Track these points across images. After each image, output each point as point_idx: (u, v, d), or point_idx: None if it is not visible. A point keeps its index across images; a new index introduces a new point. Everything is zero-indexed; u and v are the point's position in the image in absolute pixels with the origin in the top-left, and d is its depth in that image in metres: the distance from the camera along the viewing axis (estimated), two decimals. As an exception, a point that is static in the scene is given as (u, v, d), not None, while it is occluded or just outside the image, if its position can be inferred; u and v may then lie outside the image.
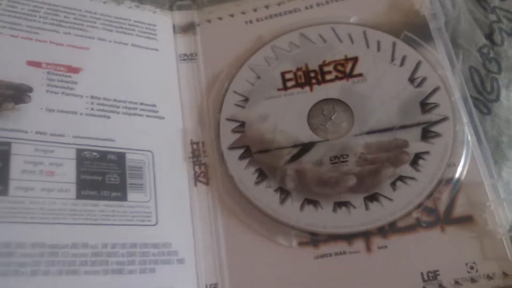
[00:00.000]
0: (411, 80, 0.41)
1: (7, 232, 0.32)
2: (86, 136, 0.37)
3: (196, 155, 0.41)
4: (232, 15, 0.45)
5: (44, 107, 0.37)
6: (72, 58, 0.39)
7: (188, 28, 0.46)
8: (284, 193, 0.39)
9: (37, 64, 0.38)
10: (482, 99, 0.43)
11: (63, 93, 0.38)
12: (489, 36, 0.45)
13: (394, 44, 0.42)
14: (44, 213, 0.34)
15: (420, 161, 0.38)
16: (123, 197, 0.37)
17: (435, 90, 0.40)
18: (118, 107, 0.40)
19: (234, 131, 0.41)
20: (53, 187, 0.35)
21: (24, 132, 0.35)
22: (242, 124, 0.41)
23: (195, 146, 0.42)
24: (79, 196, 0.35)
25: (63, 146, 0.36)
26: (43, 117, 0.36)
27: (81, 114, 0.38)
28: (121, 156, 0.38)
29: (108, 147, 0.38)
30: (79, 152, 0.37)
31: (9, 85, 0.36)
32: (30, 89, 0.37)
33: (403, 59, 0.41)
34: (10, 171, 0.34)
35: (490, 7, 0.46)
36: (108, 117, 0.39)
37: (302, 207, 0.39)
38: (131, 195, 0.37)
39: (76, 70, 0.39)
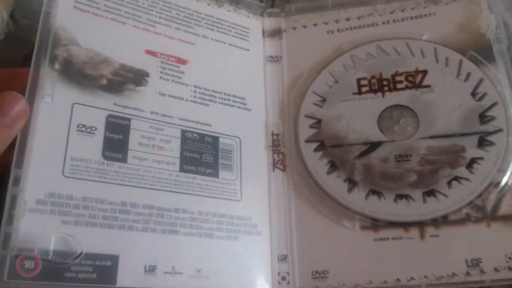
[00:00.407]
0: (473, 94, 0.46)
1: (125, 193, 0.39)
2: (189, 119, 0.44)
3: (276, 144, 0.48)
4: (315, 24, 0.51)
5: (157, 91, 0.43)
6: (181, 50, 0.45)
7: (276, 33, 0.52)
8: (352, 183, 0.45)
9: (153, 53, 0.45)
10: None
11: (173, 80, 0.45)
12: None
13: (460, 62, 0.47)
14: (154, 180, 0.40)
15: (475, 165, 0.43)
16: (216, 174, 0.44)
17: (494, 104, 0.45)
18: (215, 97, 0.46)
19: (311, 126, 0.48)
20: (162, 160, 0.41)
21: (141, 110, 0.42)
22: (319, 121, 0.48)
23: (275, 137, 0.48)
24: (182, 169, 0.42)
25: (171, 126, 0.43)
26: (157, 99, 0.43)
27: (186, 100, 0.45)
28: (215, 139, 0.45)
29: (206, 130, 0.44)
30: (183, 132, 0.43)
31: (131, 69, 0.43)
32: (147, 74, 0.43)
33: (468, 75, 0.46)
34: (129, 143, 0.40)
35: (551, 31, 0.51)
36: (207, 105, 0.45)
37: (367, 196, 0.44)
38: (222, 173, 0.44)
39: (184, 62, 0.46)
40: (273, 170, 0.47)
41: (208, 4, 0.49)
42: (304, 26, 0.51)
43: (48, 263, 0.34)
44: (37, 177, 0.35)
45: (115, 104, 0.40)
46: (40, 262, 0.34)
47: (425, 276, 0.41)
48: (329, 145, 0.46)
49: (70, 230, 0.36)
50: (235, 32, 0.50)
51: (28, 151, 0.36)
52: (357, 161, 0.45)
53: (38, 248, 0.34)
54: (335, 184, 0.45)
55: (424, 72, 0.47)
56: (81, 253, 0.35)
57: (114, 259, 0.36)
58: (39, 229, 0.35)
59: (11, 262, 0.33)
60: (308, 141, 0.47)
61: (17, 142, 0.35)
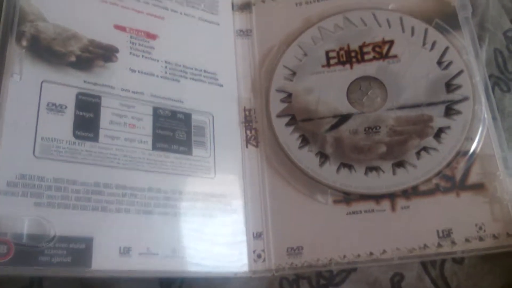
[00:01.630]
0: (439, 63, 0.48)
1: (97, 174, 0.39)
2: (161, 96, 0.45)
3: (248, 120, 0.49)
4: (284, -3, 0.52)
5: (128, 67, 0.44)
6: (150, 25, 0.46)
7: (245, 7, 0.53)
8: (323, 157, 0.47)
9: (122, 28, 0.45)
10: (504, 78, 0.50)
11: (143, 56, 0.45)
12: (515, 21, 0.51)
13: (426, 30, 0.49)
14: (127, 159, 0.41)
15: (442, 135, 0.46)
16: (189, 152, 0.45)
17: (459, 73, 0.47)
18: (186, 72, 0.47)
19: (282, 101, 0.49)
20: (134, 138, 0.42)
21: (111, 87, 0.42)
22: (289, 95, 0.49)
23: (247, 112, 0.49)
24: (155, 147, 0.43)
25: (143, 103, 0.43)
26: (127, 76, 0.43)
27: (157, 76, 0.45)
28: (188, 116, 0.46)
29: (178, 107, 0.45)
30: (155, 109, 0.44)
31: (100, 45, 0.43)
32: (117, 50, 0.44)
33: (433, 44, 0.48)
34: (101, 121, 0.41)
35: (518, -6, 0.53)
36: (178, 81, 0.46)
37: (338, 169, 0.46)
38: (195, 151, 0.45)
39: (153, 37, 0.46)
40: (246, 146, 0.48)
41: (177, -22, 0.49)
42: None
43: (21, 247, 0.35)
44: (7, 159, 0.36)
45: (85, 81, 0.41)
46: (13, 246, 0.34)
47: (397, 249, 0.43)
48: (300, 119, 0.48)
49: (43, 213, 0.36)
50: (204, 6, 0.50)
51: (-3, 131, 0.35)
52: (328, 134, 0.47)
53: (11, 231, 0.35)
54: (307, 158, 0.47)
55: (391, 42, 0.49)
56: (54, 236, 0.36)
57: (88, 241, 0.37)
58: (11, 212, 0.35)
59: (-17, 247, 0.33)
60: (279, 115, 0.48)
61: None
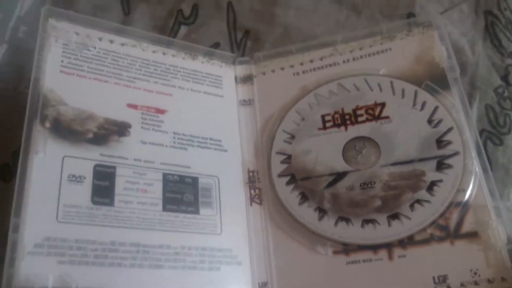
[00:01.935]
0: (429, 121, 0.52)
1: (113, 234, 0.45)
2: (170, 163, 0.50)
3: (252, 181, 0.54)
4: (282, 68, 0.58)
5: (139, 140, 0.50)
6: (159, 102, 0.51)
7: (247, 79, 0.59)
8: (322, 212, 0.51)
9: (134, 106, 0.52)
10: (496, 132, 0.54)
11: (153, 129, 0.51)
12: (505, 78, 0.56)
13: (416, 92, 0.53)
14: (139, 220, 0.47)
15: (435, 188, 0.49)
16: (197, 211, 0.50)
17: (449, 130, 0.51)
18: (193, 141, 0.53)
19: (282, 162, 0.54)
20: (146, 201, 0.48)
21: (125, 158, 0.48)
22: (289, 156, 0.54)
23: (251, 173, 0.55)
24: (165, 209, 0.48)
25: (153, 170, 0.49)
26: (139, 147, 0.49)
27: (166, 146, 0.51)
28: (195, 180, 0.51)
29: (186, 172, 0.51)
30: (165, 175, 0.50)
31: (114, 122, 0.49)
32: (129, 126, 0.49)
33: (423, 104, 0.53)
34: (116, 188, 0.47)
35: (507, 52, 0.57)
36: (186, 149, 0.52)
37: (336, 223, 0.50)
38: (202, 210, 0.50)
39: (162, 112, 0.53)
40: (251, 205, 0.53)
41: (183, 58, 0.57)
42: (273, 71, 0.59)
43: (46, 300, 0.39)
44: (34, 223, 0.42)
45: (101, 154, 0.47)
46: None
47: (396, 296, 0.45)
48: (300, 178, 0.53)
49: (66, 269, 0.42)
50: (209, 81, 0.57)
51: (25, 201, 0.42)
52: (326, 191, 0.51)
53: (38, 287, 0.40)
54: (306, 213, 0.51)
55: (382, 105, 0.53)
56: (76, 290, 0.41)
57: (106, 294, 0.42)
58: (37, 269, 0.41)
59: (13, 301, 0.38)
60: (280, 175, 0.53)
61: (15, 194, 0.42)
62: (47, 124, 0.46)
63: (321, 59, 0.57)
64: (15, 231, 0.41)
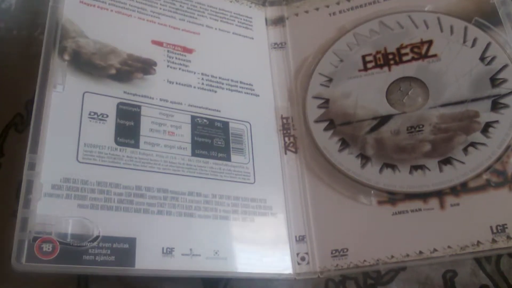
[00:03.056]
0: (482, 59, 0.47)
1: (139, 178, 0.41)
2: (198, 105, 0.47)
3: (286, 128, 0.50)
4: (317, 9, 0.54)
5: (166, 79, 0.46)
6: (186, 40, 0.48)
7: (279, 21, 0.55)
8: (364, 158, 0.47)
9: (159, 43, 0.48)
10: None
11: (180, 68, 0.48)
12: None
13: (466, 28, 0.49)
14: (167, 165, 0.43)
15: (490, 129, 0.45)
16: (228, 158, 0.46)
17: (504, 67, 0.46)
18: (222, 83, 0.49)
19: (319, 107, 0.50)
20: (174, 145, 0.44)
21: (150, 98, 0.45)
22: (327, 101, 0.50)
23: (285, 120, 0.51)
24: (194, 154, 0.45)
25: (181, 112, 0.46)
26: (165, 87, 0.46)
27: (194, 87, 0.48)
28: (225, 124, 0.47)
29: (215, 116, 0.47)
30: (193, 118, 0.46)
31: (138, 59, 0.46)
32: (155, 63, 0.47)
33: (474, 40, 0.48)
34: (141, 129, 0.43)
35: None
36: (215, 92, 0.48)
37: (381, 170, 0.46)
38: (234, 157, 0.46)
39: (190, 51, 0.49)
40: (285, 153, 0.49)
41: (210, -5, 0.52)
42: (306, 12, 0.54)
43: (66, 246, 0.36)
44: (52, 163, 0.38)
45: (125, 92, 0.43)
46: (58, 245, 0.36)
47: (449, 247, 0.42)
48: (339, 123, 0.49)
49: (87, 214, 0.38)
50: (238, 22, 0.53)
51: (42, 138, 0.38)
52: (368, 136, 0.47)
53: (56, 231, 0.37)
54: (347, 161, 0.47)
55: (430, 42, 0.49)
56: (98, 236, 0.38)
57: (132, 241, 0.39)
58: (56, 212, 0.37)
59: (29, 245, 0.35)
60: (317, 121, 0.49)
61: (31, 128, 0.38)
62: (66, 57, 0.42)
63: (359, -3, 0.52)
64: (31, 168, 0.37)
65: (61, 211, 0.37)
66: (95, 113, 0.41)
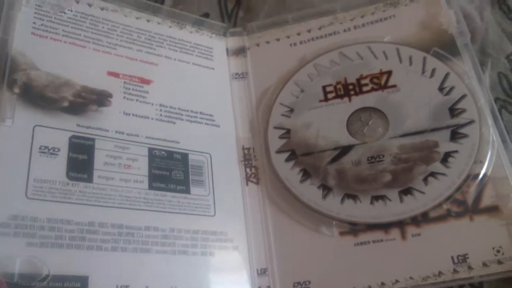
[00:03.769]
0: (441, 89, 0.47)
1: (92, 213, 0.40)
2: (156, 137, 0.46)
3: (248, 158, 0.49)
4: (278, 39, 0.54)
5: (122, 110, 0.45)
6: (144, 71, 0.48)
7: (240, 51, 0.55)
8: (326, 189, 0.46)
9: (115, 75, 0.47)
10: (511, 100, 0.49)
11: (137, 100, 0.47)
12: (517, 44, 0.51)
13: (424, 59, 0.49)
14: (122, 199, 0.42)
15: (450, 159, 0.44)
16: (187, 190, 0.45)
17: (463, 97, 0.47)
18: (182, 114, 0.48)
19: (281, 137, 0.49)
20: (130, 178, 0.43)
21: (105, 130, 0.43)
22: (288, 131, 0.49)
23: (246, 151, 0.50)
24: (151, 187, 0.43)
25: (138, 144, 0.44)
26: (121, 119, 0.45)
27: (152, 118, 0.46)
28: (184, 156, 0.46)
29: (174, 147, 0.46)
30: (151, 150, 0.45)
31: (93, 90, 0.45)
32: (110, 95, 0.45)
33: (433, 71, 0.48)
34: (95, 163, 0.42)
35: (517, 18, 0.53)
36: (174, 123, 0.47)
37: (342, 200, 0.45)
38: (194, 189, 0.45)
39: (147, 82, 0.48)
40: (247, 184, 0.48)
41: (170, 27, 0.52)
42: (267, 42, 0.54)
43: (14, 286, 0.35)
44: (-1, 199, 0.36)
45: (78, 125, 0.42)
46: (6, 286, 0.34)
47: (411, 278, 0.41)
48: (300, 153, 0.48)
49: (36, 252, 0.36)
50: (198, 52, 0.52)
51: (-11, 174, 0.36)
52: (329, 166, 0.47)
53: (3, 271, 0.35)
54: (309, 191, 0.46)
55: (389, 73, 0.49)
56: (48, 275, 0.36)
57: (84, 280, 0.37)
58: (3, 252, 0.35)
59: (-25, 286, 0.33)
60: (278, 151, 0.49)
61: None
62: (16, 90, 0.41)
63: (319, 28, 0.53)
64: (-24, 207, 0.35)
65: (8, 250, 0.36)
66: (45, 147, 0.40)
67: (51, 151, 0.40)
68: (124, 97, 0.46)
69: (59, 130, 0.41)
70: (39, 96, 0.41)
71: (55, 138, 0.41)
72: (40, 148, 0.40)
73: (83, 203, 0.40)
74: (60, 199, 0.39)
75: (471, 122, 0.45)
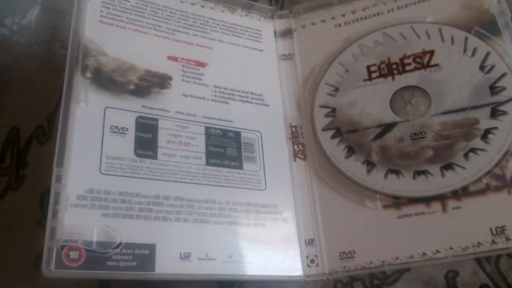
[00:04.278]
0: (481, 67, 0.49)
1: (157, 187, 0.44)
2: (212, 117, 0.49)
3: (295, 136, 0.52)
4: (323, 21, 0.56)
5: (181, 92, 0.49)
6: (199, 55, 0.50)
7: (287, 33, 0.57)
8: (370, 165, 0.49)
9: (174, 59, 0.50)
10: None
11: (194, 82, 0.50)
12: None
13: (466, 38, 0.50)
14: (183, 174, 0.45)
15: (490, 135, 0.46)
16: (240, 166, 0.48)
17: (503, 75, 0.48)
18: (234, 95, 0.51)
19: (326, 115, 0.52)
20: (189, 155, 0.46)
21: (167, 111, 0.47)
22: (333, 109, 0.52)
23: (294, 129, 0.53)
24: (208, 163, 0.47)
25: (195, 123, 0.48)
26: (180, 100, 0.48)
27: (208, 99, 0.50)
28: (237, 134, 0.49)
29: (228, 126, 0.49)
30: (207, 129, 0.48)
31: (155, 74, 0.48)
32: (170, 78, 0.49)
33: (474, 50, 0.50)
34: (158, 141, 0.45)
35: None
36: (227, 103, 0.50)
37: (385, 176, 0.48)
38: (246, 165, 0.49)
39: (203, 65, 0.51)
40: (294, 160, 0.51)
41: (222, 11, 0.55)
42: (313, 24, 0.56)
43: (91, 253, 0.39)
44: (77, 175, 0.41)
45: (143, 106, 0.46)
46: (84, 252, 0.39)
47: (451, 248, 0.44)
48: (345, 131, 0.50)
49: (110, 222, 0.40)
50: (248, 35, 0.55)
51: (68, 151, 0.41)
52: (373, 143, 0.49)
53: (82, 239, 0.39)
54: (354, 167, 0.49)
55: (431, 52, 0.51)
56: (120, 243, 0.40)
57: (152, 247, 0.41)
58: (81, 222, 0.39)
59: (58, 253, 0.38)
60: (324, 129, 0.51)
61: (57, 143, 0.40)
62: (88, 74, 0.44)
63: (364, 9, 0.55)
64: (58, 181, 0.39)
65: (86, 220, 0.40)
66: (116, 127, 0.43)
67: (120, 130, 0.43)
68: (182, 80, 0.49)
69: (127, 111, 0.45)
70: (109, 80, 0.45)
71: (123, 119, 0.44)
72: (111, 128, 0.43)
73: (150, 178, 0.43)
74: (130, 174, 0.43)
75: (510, 99, 0.47)
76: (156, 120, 0.46)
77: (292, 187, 0.50)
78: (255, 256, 0.45)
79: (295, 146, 0.51)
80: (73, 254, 0.38)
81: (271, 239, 0.46)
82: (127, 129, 0.44)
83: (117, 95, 0.45)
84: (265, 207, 0.47)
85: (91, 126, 0.43)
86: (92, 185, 0.41)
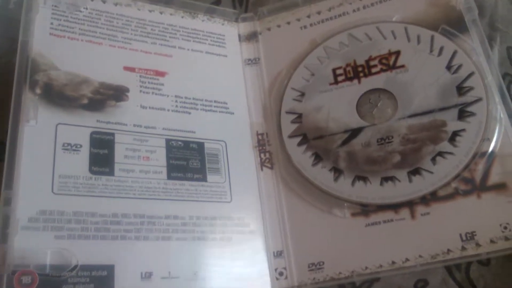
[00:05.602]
0: (448, 67, 0.47)
1: (115, 205, 0.41)
2: (173, 128, 0.47)
3: (262, 144, 0.50)
4: (288, 23, 0.54)
5: (139, 104, 0.46)
6: (158, 63, 0.48)
7: (252, 36, 0.55)
8: (337, 172, 0.47)
9: (131, 69, 0.48)
10: (520, 76, 0.47)
11: (153, 93, 0.47)
12: (527, 17, 0.50)
13: (432, 37, 0.48)
14: (143, 190, 0.43)
15: (457, 138, 0.44)
16: (204, 179, 0.46)
17: (470, 75, 0.46)
18: (197, 104, 0.49)
19: (293, 122, 0.50)
20: (149, 169, 0.44)
21: (124, 124, 0.45)
22: (300, 115, 0.50)
23: (260, 136, 0.51)
24: (169, 177, 0.45)
25: (155, 136, 0.46)
26: (139, 112, 0.46)
27: (168, 110, 0.47)
28: (200, 145, 0.47)
29: (190, 137, 0.47)
30: (168, 141, 0.46)
31: (110, 86, 0.46)
32: (127, 90, 0.46)
33: (441, 49, 0.48)
34: (115, 156, 0.43)
35: (527, -10, 0.52)
36: (189, 113, 0.48)
37: (353, 183, 0.46)
38: (210, 177, 0.46)
39: (162, 74, 0.49)
40: (261, 169, 0.49)
41: (182, 17, 0.52)
42: (278, 26, 0.54)
43: (45, 277, 0.37)
44: (27, 196, 0.38)
45: (98, 120, 0.43)
46: (37, 277, 0.36)
47: (420, 256, 0.42)
48: (312, 137, 0.48)
49: (64, 244, 0.38)
50: (211, 40, 0.53)
51: (17, 172, 0.38)
52: (340, 149, 0.47)
53: (34, 263, 0.37)
54: (321, 174, 0.47)
55: (397, 53, 0.49)
56: (76, 265, 0.38)
57: (110, 268, 0.39)
58: (33, 245, 0.37)
59: (9, 278, 0.35)
60: (291, 136, 0.49)
61: (5, 164, 0.38)
62: (38, 90, 0.42)
63: (329, 9, 0.53)
64: (7, 204, 0.37)
65: (38, 243, 0.38)
66: (68, 144, 0.41)
67: (73, 147, 0.41)
68: (140, 91, 0.46)
69: (80, 127, 0.42)
70: (60, 95, 0.43)
71: (77, 135, 0.42)
72: (63, 145, 0.41)
73: (106, 196, 0.41)
74: (85, 193, 0.40)
75: (478, 100, 0.45)
76: (112, 134, 0.43)
77: (260, 197, 0.48)
78: (221, 271, 0.43)
79: (262, 155, 0.49)
80: (26, 279, 0.36)
81: (238, 253, 0.44)
82: (81, 145, 0.42)
83: (70, 110, 0.43)
84: (231, 219, 0.45)
85: (42, 144, 0.40)
86: (44, 206, 0.39)
